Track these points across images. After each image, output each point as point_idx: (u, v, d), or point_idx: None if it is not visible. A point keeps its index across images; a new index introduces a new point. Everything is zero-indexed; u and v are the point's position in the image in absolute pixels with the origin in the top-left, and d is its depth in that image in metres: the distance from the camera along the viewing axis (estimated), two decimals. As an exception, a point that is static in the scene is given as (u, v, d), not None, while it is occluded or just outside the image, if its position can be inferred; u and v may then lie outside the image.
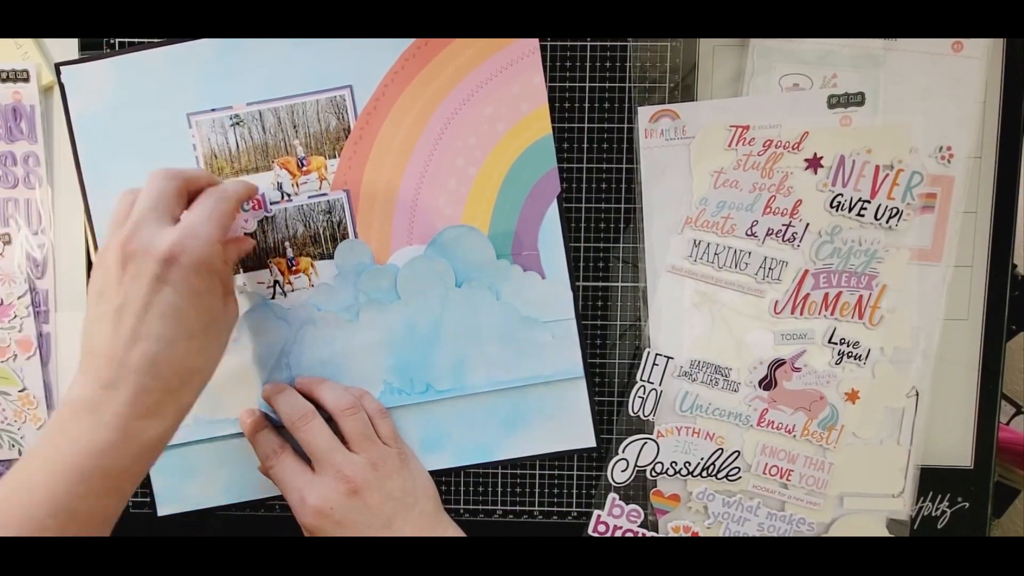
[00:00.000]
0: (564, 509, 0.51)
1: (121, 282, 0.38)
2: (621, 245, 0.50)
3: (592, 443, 0.50)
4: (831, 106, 0.47)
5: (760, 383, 0.48)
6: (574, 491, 0.51)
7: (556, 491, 0.51)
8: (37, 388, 0.51)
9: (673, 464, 0.49)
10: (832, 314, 0.48)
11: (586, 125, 0.49)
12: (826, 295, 0.48)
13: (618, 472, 0.50)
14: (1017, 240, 0.48)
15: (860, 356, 0.48)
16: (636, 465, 0.50)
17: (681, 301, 0.49)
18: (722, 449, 0.49)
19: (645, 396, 0.49)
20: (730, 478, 0.49)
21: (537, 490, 0.51)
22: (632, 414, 0.49)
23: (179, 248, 0.38)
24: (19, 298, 0.50)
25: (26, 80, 0.49)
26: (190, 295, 0.38)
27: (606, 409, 0.50)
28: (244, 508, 0.51)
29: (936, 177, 0.47)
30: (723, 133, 0.48)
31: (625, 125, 0.49)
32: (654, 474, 0.50)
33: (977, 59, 0.47)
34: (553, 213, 0.49)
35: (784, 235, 0.48)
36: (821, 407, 0.48)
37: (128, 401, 0.37)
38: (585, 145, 0.49)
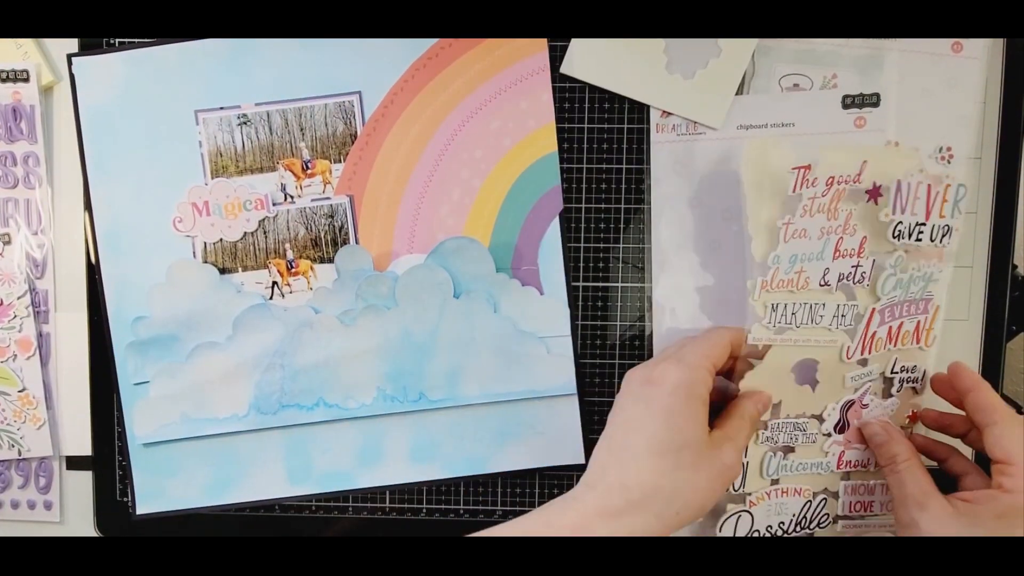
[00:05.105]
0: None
1: (622, 403, 0.43)
2: (621, 245, 0.50)
3: (582, 460, 0.50)
4: (845, 107, 0.47)
5: (835, 428, 0.47)
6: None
7: (556, 492, 0.51)
8: (37, 388, 0.51)
9: (768, 528, 0.48)
10: (895, 345, 0.46)
11: (586, 125, 0.49)
12: (890, 328, 0.46)
13: None
14: (1017, 240, 0.48)
15: (916, 379, 0.47)
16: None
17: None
18: (811, 501, 0.48)
19: None
20: (821, 525, 0.48)
21: (536, 491, 0.51)
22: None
23: (662, 370, 0.41)
24: (19, 298, 0.50)
25: (26, 80, 0.49)
26: (660, 412, 0.40)
27: (605, 410, 0.50)
28: (228, 510, 0.51)
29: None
30: (786, 177, 0.43)
31: (625, 125, 0.49)
32: None
33: (977, 59, 0.47)
34: (554, 230, 0.49)
35: (854, 277, 0.45)
36: None
37: (595, 498, 0.39)
38: (585, 145, 0.49)
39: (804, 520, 0.48)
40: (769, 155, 0.44)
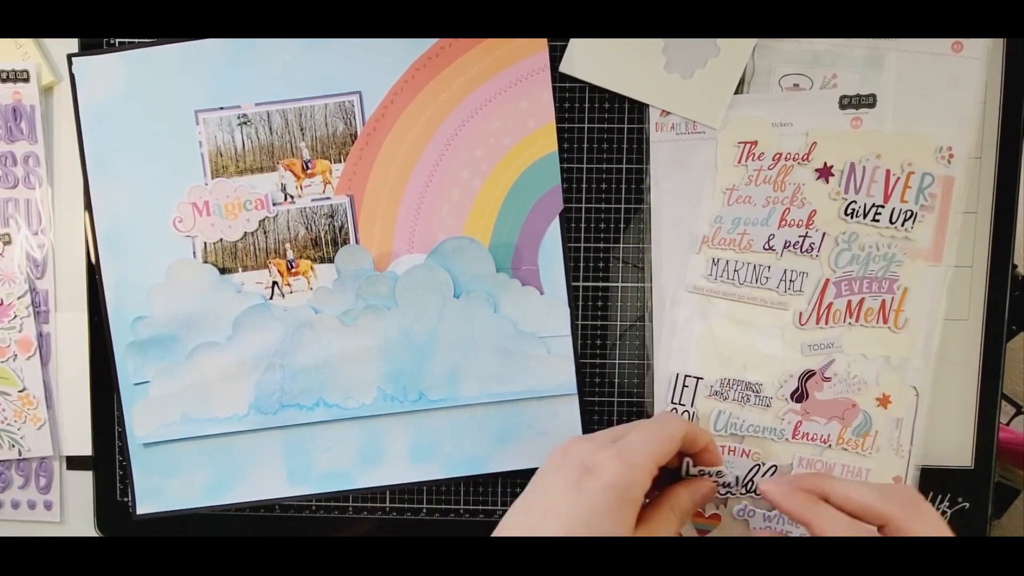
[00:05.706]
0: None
1: (552, 479, 0.39)
2: (621, 245, 0.50)
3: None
4: (842, 107, 0.47)
5: (792, 396, 0.48)
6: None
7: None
8: (37, 388, 0.51)
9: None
10: (856, 321, 0.47)
11: (586, 125, 0.49)
12: (848, 302, 0.47)
13: None
14: (1017, 240, 0.48)
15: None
16: None
17: (701, 319, 0.48)
18: (759, 464, 0.48)
19: None
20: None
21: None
22: None
23: (602, 461, 0.38)
24: (19, 298, 0.50)
25: (26, 80, 0.49)
26: (587, 509, 0.37)
27: (606, 410, 0.50)
28: (228, 510, 0.51)
29: (936, 177, 0.47)
30: (732, 150, 0.47)
31: (625, 125, 0.49)
32: None
33: (977, 59, 0.47)
34: (554, 230, 0.49)
35: (802, 246, 0.47)
36: (854, 415, 0.48)
37: None
38: (585, 145, 0.49)
39: (750, 483, 0.48)
40: (736, 135, 0.48)
